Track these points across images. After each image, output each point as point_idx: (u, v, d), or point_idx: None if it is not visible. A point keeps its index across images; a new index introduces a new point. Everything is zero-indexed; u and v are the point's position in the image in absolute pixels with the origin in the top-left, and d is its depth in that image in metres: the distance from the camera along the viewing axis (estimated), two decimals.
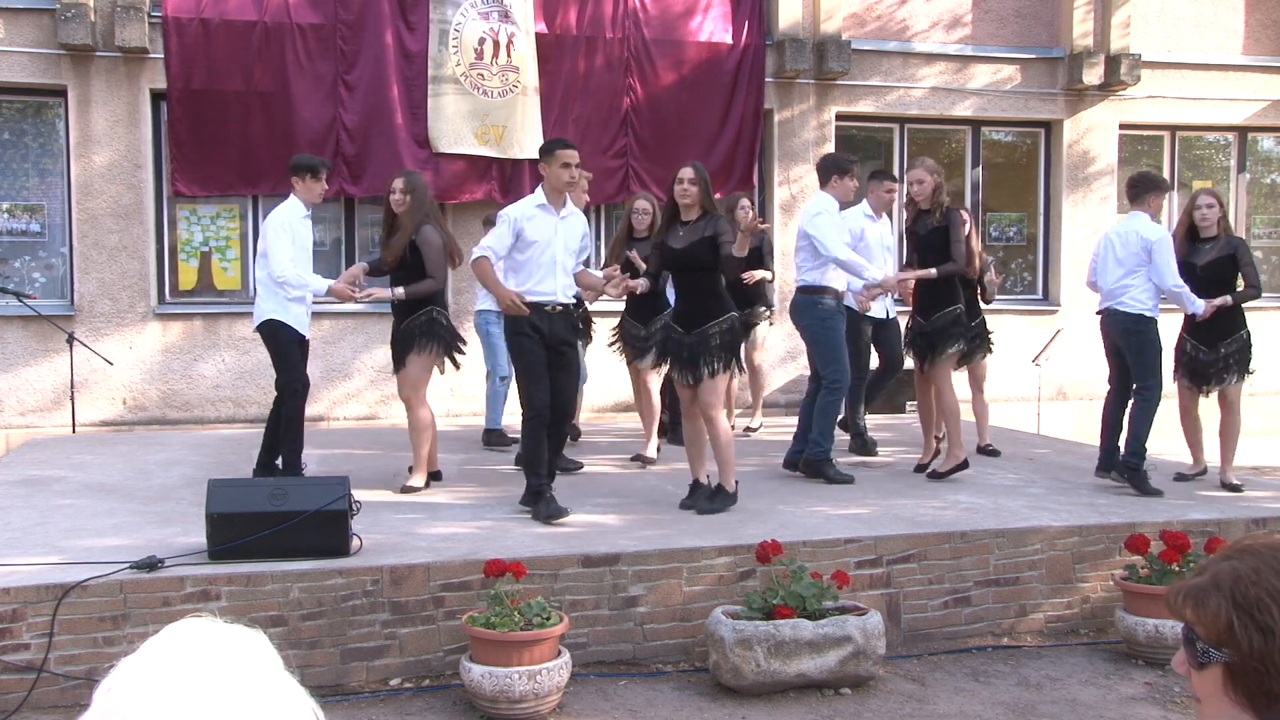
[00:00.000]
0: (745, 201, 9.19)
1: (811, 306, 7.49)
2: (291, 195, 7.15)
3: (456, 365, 7.19)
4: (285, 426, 7.10)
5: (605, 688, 5.17)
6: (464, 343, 7.22)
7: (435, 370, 7.12)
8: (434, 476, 7.24)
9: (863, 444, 8.56)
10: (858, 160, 8.16)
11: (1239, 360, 7.46)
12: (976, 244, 8.11)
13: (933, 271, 7.32)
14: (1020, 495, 7.01)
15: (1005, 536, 6.05)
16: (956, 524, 6.16)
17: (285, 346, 7.10)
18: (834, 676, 5.07)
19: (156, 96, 10.18)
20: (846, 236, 7.67)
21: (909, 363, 8.24)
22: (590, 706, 4.96)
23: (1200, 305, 7.29)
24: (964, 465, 7.40)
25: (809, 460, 7.42)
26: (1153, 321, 7.24)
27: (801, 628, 5.03)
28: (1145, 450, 7.16)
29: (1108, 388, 7.63)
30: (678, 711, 4.92)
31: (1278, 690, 1.32)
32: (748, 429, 9.52)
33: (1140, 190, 7.38)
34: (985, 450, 8.42)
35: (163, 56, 9.92)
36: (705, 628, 5.23)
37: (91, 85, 9.99)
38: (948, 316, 7.43)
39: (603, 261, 9.28)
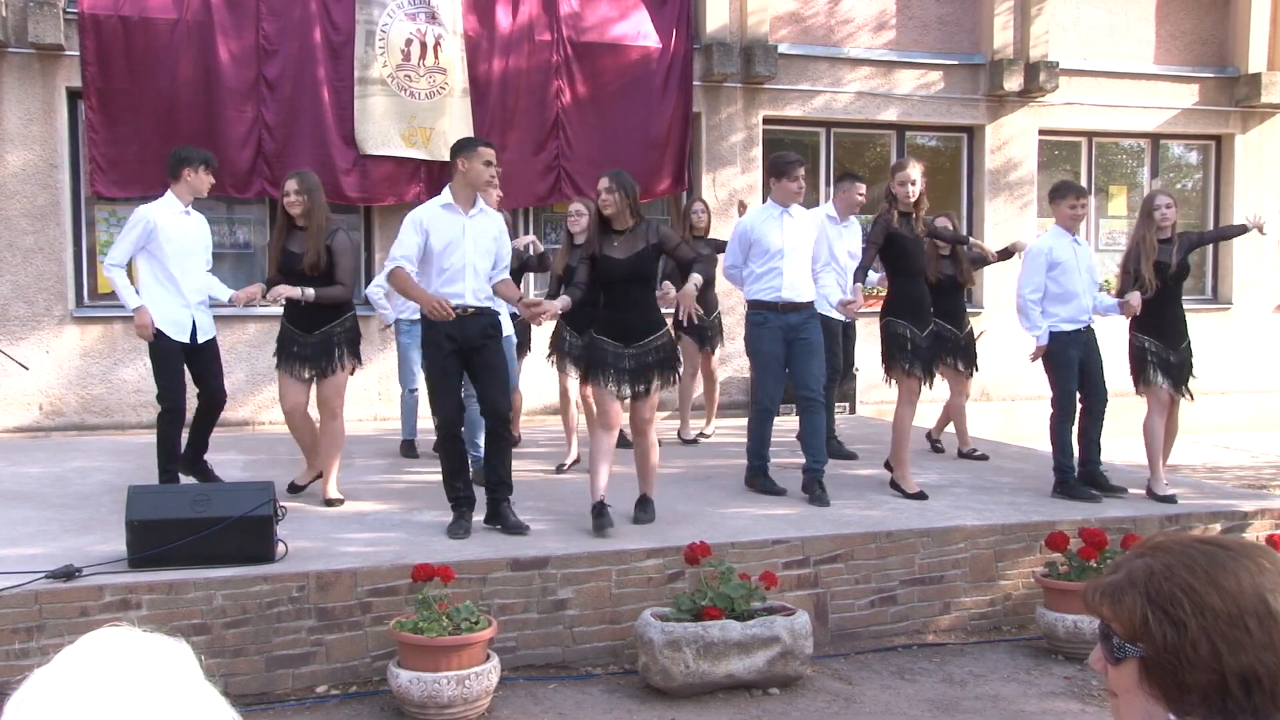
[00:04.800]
0: (700, 205, 9.19)
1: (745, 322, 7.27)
2: (169, 193, 6.73)
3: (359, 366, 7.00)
4: (159, 445, 6.68)
5: (535, 691, 5.16)
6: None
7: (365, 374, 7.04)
8: (300, 488, 6.97)
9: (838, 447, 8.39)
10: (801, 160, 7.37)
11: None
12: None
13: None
14: (944, 495, 7.13)
15: (930, 536, 6.14)
16: (882, 524, 6.25)
17: (162, 356, 6.67)
18: (762, 677, 5.11)
19: (73, 94, 9.94)
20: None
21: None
22: (519, 710, 4.94)
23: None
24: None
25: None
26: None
27: (730, 629, 5.06)
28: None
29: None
30: (607, 714, 4.92)
31: (1190, 682, 1.35)
32: (701, 434, 9.41)
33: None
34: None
35: (79, 54, 9.69)
36: (634, 630, 5.24)
37: (3, 83, 9.71)
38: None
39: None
